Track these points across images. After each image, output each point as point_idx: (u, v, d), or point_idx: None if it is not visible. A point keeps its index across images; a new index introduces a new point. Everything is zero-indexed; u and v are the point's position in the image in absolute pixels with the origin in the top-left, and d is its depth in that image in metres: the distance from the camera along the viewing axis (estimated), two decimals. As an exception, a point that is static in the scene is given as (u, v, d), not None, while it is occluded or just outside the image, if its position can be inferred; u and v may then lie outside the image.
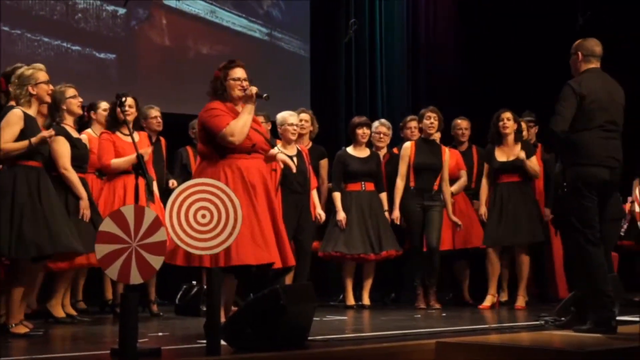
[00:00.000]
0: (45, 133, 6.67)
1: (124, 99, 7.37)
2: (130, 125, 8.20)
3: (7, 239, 6.39)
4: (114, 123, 8.15)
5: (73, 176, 7.37)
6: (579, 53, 6.80)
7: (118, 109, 7.94)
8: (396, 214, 9.32)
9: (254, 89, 6.46)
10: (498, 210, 9.21)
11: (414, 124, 10.08)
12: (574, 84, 6.63)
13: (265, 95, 6.44)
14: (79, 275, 8.31)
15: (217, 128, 6.32)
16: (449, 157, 9.50)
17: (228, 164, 6.35)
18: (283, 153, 8.62)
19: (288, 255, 6.49)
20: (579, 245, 6.52)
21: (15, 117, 6.57)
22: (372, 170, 9.51)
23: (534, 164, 9.28)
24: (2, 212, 6.43)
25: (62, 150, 7.31)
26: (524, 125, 9.61)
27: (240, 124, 6.34)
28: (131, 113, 8.23)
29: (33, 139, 6.59)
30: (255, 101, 6.47)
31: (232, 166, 6.34)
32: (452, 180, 9.66)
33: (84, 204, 7.41)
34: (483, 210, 9.35)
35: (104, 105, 8.46)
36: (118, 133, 8.16)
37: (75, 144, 7.50)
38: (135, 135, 8.28)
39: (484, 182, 9.43)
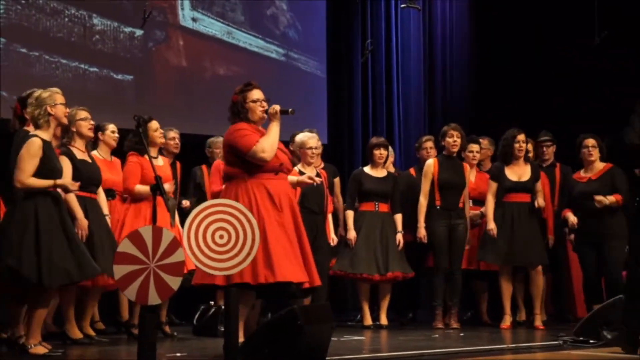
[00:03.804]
0: (69, 184, 6.69)
1: (142, 121, 7.32)
2: (156, 149, 8.23)
3: (36, 268, 6.37)
4: (142, 145, 8.09)
5: (70, 197, 7.32)
6: None
7: (148, 132, 8.00)
8: (422, 232, 9.26)
9: (277, 107, 6.50)
10: (508, 229, 9.16)
11: (429, 144, 10.08)
12: None
13: (290, 110, 6.50)
14: (89, 296, 8.17)
15: (248, 146, 6.36)
16: (473, 176, 9.47)
17: (256, 184, 6.37)
18: (302, 173, 8.65)
19: (315, 275, 6.48)
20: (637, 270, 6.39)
21: (36, 147, 6.53)
22: (387, 191, 9.46)
23: (539, 189, 9.28)
24: (27, 241, 6.42)
25: (64, 170, 7.26)
26: (530, 146, 9.62)
27: (271, 140, 6.40)
28: (161, 136, 8.23)
29: (59, 181, 6.60)
30: (280, 117, 6.51)
31: (260, 187, 6.36)
32: (482, 203, 9.63)
33: (79, 223, 7.34)
34: (492, 225, 9.26)
35: (111, 127, 8.39)
36: (146, 155, 8.12)
37: (77, 166, 7.44)
38: (160, 159, 8.28)
39: (490, 199, 9.33)
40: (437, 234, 9.23)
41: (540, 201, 9.18)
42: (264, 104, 6.55)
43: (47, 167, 6.59)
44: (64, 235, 6.55)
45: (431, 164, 9.38)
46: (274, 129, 6.47)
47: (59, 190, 6.84)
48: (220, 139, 9.42)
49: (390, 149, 9.80)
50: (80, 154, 7.58)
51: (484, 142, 10.17)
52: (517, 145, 9.24)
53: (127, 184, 8.00)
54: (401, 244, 9.41)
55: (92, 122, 7.71)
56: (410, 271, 9.39)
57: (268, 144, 6.37)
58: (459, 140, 9.32)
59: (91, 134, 7.76)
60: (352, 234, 9.31)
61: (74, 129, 7.58)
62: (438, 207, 9.27)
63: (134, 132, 8.01)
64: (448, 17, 13.69)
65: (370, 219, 9.41)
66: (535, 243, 9.15)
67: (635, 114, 6.46)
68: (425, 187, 9.32)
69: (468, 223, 9.37)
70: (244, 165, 6.42)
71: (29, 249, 6.40)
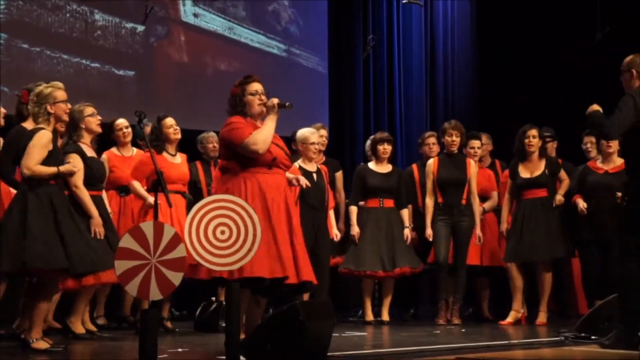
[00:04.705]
0: (70, 167, 6.73)
1: (143, 116, 7.29)
2: (172, 145, 8.21)
3: (65, 255, 6.38)
4: (158, 142, 8.11)
5: (83, 194, 7.29)
6: (633, 70, 6.53)
7: (163, 129, 8.02)
8: (428, 232, 9.24)
9: (275, 100, 6.40)
10: (519, 227, 9.16)
11: (432, 140, 10.06)
12: (636, 95, 6.40)
13: (287, 104, 6.39)
14: (100, 291, 8.31)
15: (240, 138, 6.24)
16: (477, 171, 9.45)
17: (248, 177, 6.24)
18: (303, 169, 8.65)
19: (309, 272, 6.33)
20: (629, 266, 6.38)
21: (46, 139, 6.54)
22: (392, 187, 9.47)
23: (563, 177, 9.27)
24: (50, 229, 6.42)
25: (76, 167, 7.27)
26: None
27: (264, 133, 6.26)
28: (176, 132, 8.23)
29: (61, 168, 6.62)
30: (278, 112, 6.43)
31: (252, 179, 6.24)
32: (484, 199, 9.64)
33: (95, 221, 7.36)
34: (504, 227, 9.32)
35: (118, 124, 8.40)
36: (165, 154, 8.13)
37: (88, 163, 7.45)
38: (178, 157, 8.26)
39: (506, 197, 9.40)
40: (438, 230, 9.22)
41: (558, 198, 9.15)
42: (263, 97, 6.44)
43: (56, 160, 6.61)
44: (68, 226, 6.55)
45: (431, 163, 9.38)
46: (270, 122, 6.33)
47: (75, 190, 7.10)
48: (211, 133, 9.46)
49: (389, 144, 9.81)
50: (89, 151, 7.58)
51: (483, 138, 10.15)
52: (526, 141, 9.21)
53: (130, 175, 8.06)
54: (409, 239, 9.41)
55: (99, 118, 7.70)
56: (419, 265, 9.40)
57: (261, 137, 6.24)
58: (457, 139, 9.31)
59: (100, 130, 7.74)
60: (355, 230, 9.31)
61: (83, 126, 7.55)
62: (440, 204, 9.26)
63: (151, 128, 8.03)
64: (450, 13, 13.70)
65: (375, 216, 9.42)
66: (544, 239, 9.09)
67: (618, 110, 6.40)
68: (428, 186, 9.32)
69: (477, 219, 9.35)
70: (237, 158, 6.30)
71: (54, 237, 6.41)
